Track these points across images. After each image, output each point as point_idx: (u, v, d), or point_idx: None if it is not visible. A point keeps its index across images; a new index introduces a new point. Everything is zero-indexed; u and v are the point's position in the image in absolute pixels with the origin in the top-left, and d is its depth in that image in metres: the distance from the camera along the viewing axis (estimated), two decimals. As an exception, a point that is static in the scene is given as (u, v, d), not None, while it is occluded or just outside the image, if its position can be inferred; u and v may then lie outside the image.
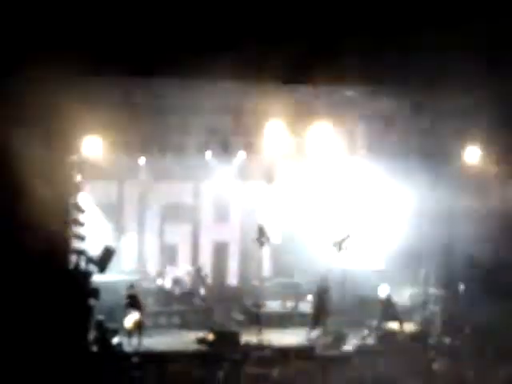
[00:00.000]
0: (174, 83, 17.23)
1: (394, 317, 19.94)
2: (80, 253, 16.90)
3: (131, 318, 18.91)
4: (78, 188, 19.78)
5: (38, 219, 15.30)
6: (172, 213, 23.71)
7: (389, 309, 20.12)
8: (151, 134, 19.24)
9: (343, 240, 19.11)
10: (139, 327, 18.93)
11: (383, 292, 20.33)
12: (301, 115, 19.15)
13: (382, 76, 16.37)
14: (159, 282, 21.91)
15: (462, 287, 19.88)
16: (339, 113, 19.26)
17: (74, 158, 18.39)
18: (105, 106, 17.98)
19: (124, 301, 19.25)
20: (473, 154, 19.49)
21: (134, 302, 19.19)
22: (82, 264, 16.85)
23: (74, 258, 16.95)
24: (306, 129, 19.48)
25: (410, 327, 20.13)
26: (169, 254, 23.48)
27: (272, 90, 17.65)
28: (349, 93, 18.34)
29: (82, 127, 18.03)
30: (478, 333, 18.72)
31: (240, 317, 21.90)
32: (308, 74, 16.40)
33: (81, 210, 17.84)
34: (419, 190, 21.01)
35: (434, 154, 19.71)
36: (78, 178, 20.21)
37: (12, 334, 14.92)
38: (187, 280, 22.26)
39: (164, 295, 21.63)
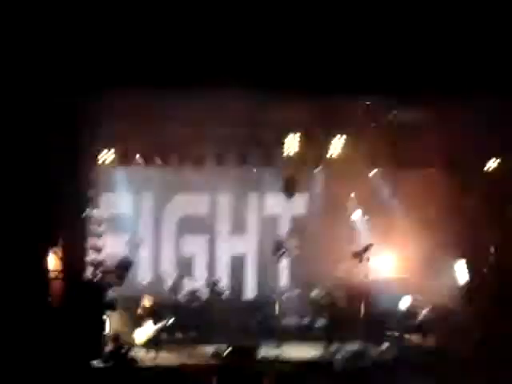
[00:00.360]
0: (191, 94, 17.06)
1: (416, 329, 19.66)
2: (97, 265, 16.75)
3: (145, 331, 18.70)
4: (94, 200, 19.69)
5: (56, 231, 15.21)
6: (188, 225, 23.51)
7: (411, 321, 19.85)
8: (168, 146, 19.10)
9: (364, 250, 18.85)
10: (155, 340, 18.71)
11: (405, 303, 20.06)
12: (321, 127, 19.01)
13: (405, 86, 16.20)
14: (176, 294, 21.67)
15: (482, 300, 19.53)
16: (361, 124, 19.07)
17: (91, 169, 18.26)
18: (122, 118, 17.91)
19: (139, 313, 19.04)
20: (495, 165, 19.24)
21: (149, 315, 18.98)
22: (99, 276, 16.70)
23: (90, 271, 16.81)
24: (326, 141, 19.36)
25: (431, 340, 19.86)
26: (185, 267, 23.22)
27: (291, 101, 17.52)
28: (370, 103, 18.15)
29: (100, 139, 17.99)
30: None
31: (257, 330, 21.59)
32: (328, 84, 16.27)
33: (97, 222, 17.67)
34: (442, 200, 20.73)
35: (457, 165, 19.48)
36: (95, 189, 20.13)
37: (27, 346, 14.78)
38: (204, 293, 22.01)
39: (180, 308, 21.38)
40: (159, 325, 18.97)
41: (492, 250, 19.51)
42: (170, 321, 20.27)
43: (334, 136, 19.39)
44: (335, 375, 17.41)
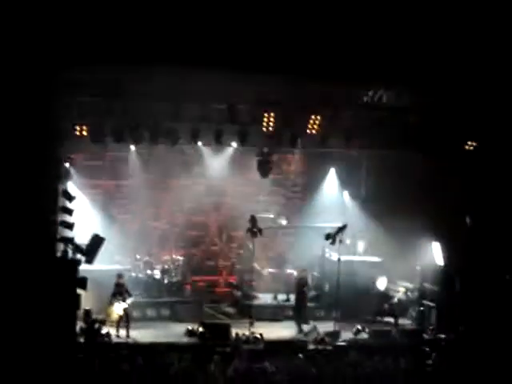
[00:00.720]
0: (167, 69, 16.84)
1: (390, 311, 19.65)
2: (68, 241, 16.49)
3: (118, 308, 18.52)
4: (67, 175, 19.43)
5: (26, 206, 14.96)
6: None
7: (384, 303, 19.82)
8: (142, 121, 18.84)
9: (338, 231, 18.70)
10: (126, 317, 18.54)
11: (381, 285, 20.00)
12: (297, 107, 18.89)
13: (376, 71, 16.20)
14: (148, 271, 21.47)
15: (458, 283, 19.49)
16: (334, 105, 18.99)
17: (65, 144, 18.01)
18: (96, 92, 17.67)
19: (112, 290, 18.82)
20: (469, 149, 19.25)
21: (121, 292, 18.78)
22: (70, 252, 16.45)
23: (61, 247, 16.56)
24: (301, 121, 19.25)
25: (405, 322, 19.87)
26: (159, 242, 22.97)
27: (269, 80, 17.37)
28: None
29: (73, 115, 17.76)
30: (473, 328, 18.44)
31: (231, 309, 21.49)
32: (306, 65, 16.21)
33: (69, 197, 17.39)
34: (415, 184, 20.65)
35: (431, 149, 19.43)
36: (67, 164, 19.87)
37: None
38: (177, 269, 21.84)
39: (153, 285, 21.19)
40: (130, 301, 18.78)
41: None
42: (142, 298, 20.16)
43: (311, 115, 19.27)
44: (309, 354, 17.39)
